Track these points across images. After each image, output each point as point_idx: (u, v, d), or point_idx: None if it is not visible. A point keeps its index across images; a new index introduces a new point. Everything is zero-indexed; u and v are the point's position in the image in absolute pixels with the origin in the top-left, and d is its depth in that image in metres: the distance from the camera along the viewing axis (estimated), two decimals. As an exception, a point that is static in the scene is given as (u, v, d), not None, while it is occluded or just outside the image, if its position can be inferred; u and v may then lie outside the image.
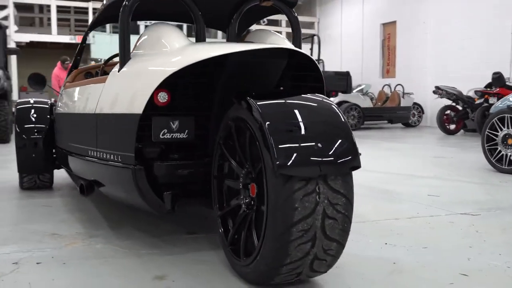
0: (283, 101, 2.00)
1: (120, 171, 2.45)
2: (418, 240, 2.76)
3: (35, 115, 4.05)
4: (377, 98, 13.91)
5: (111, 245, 2.63)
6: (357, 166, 1.88)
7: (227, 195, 2.33)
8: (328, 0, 20.34)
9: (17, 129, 4.02)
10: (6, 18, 17.47)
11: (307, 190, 1.80)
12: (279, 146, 1.81)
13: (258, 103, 1.95)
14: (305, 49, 12.06)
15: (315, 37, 11.05)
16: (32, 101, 4.17)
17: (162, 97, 2.30)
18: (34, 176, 4.13)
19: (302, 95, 2.04)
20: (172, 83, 2.31)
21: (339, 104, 12.23)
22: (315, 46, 11.40)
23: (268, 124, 1.86)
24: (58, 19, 18.55)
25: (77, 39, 17.38)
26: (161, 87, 2.28)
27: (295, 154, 1.80)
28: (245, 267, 2.04)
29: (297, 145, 1.82)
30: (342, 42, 19.15)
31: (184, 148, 2.49)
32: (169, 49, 2.43)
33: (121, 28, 2.54)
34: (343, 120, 1.97)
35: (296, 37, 2.95)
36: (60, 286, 2.09)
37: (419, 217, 3.31)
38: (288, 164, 1.78)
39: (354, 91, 13.93)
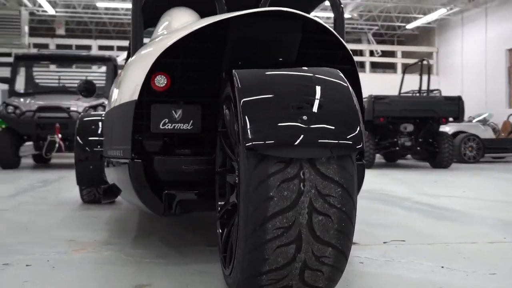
0: (271, 72, 1.60)
1: (120, 167, 2.20)
2: (487, 265, 2.15)
3: (97, 128, 4.00)
4: (501, 128, 12.59)
5: (120, 253, 2.36)
6: (358, 149, 1.43)
7: (228, 193, 1.97)
8: (448, 29, 19.25)
9: (80, 141, 3.98)
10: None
11: (286, 175, 1.39)
12: (252, 120, 1.42)
13: (239, 75, 1.58)
14: (413, 78, 11.21)
15: (424, 63, 10.24)
16: (102, 114, 4.15)
17: (160, 81, 2.02)
18: (92, 189, 4.06)
19: (301, 67, 1.64)
20: (171, 64, 2.03)
21: (454, 135, 11.19)
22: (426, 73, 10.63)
23: (244, 96, 1.49)
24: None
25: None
26: (158, 69, 2.01)
27: (270, 129, 1.40)
28: (228, 277, 1.65)
29: (275, 118, 1.42)
30: (463, 71, 17.91)
31: (192, 142, 2.18)
32: (174, 29, 2.17)
33: (132, 18, 2.35)
34: (346, 93, 1.54)
35: (337, 23, 2.55)
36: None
37: (504, 242, 2.65)
38: (259, 139, 1.38)
39: (474, 120, 12.75)
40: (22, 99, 8.55)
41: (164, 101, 2.05)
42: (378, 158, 10.01)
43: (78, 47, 21.60)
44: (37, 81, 9.78)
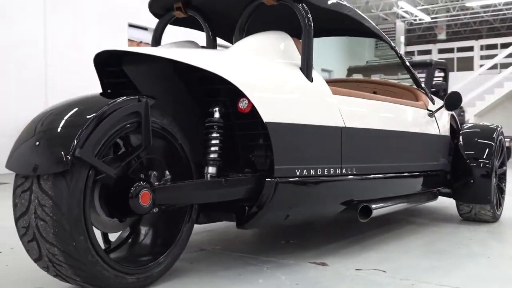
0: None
1: None
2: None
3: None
4: None
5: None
6: (45, 171, 1.73)
7: None
8: None
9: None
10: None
11: (24, 187, 1.81)
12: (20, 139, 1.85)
13: None
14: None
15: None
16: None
17: None
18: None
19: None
20: None
21: None
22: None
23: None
24: None
25: None
26: None
27: (17, 150, 1.81)
28: None
29: (25, 141, 1.81)
30: None
31: None
32: None
33: None
34: (75, 119, 1.80)
35: (305, 38, 2.40)
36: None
37: None
38: (9, 158, 1.82)
39: None
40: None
41: None
42: None
43: (420, 52, 22.34)
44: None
